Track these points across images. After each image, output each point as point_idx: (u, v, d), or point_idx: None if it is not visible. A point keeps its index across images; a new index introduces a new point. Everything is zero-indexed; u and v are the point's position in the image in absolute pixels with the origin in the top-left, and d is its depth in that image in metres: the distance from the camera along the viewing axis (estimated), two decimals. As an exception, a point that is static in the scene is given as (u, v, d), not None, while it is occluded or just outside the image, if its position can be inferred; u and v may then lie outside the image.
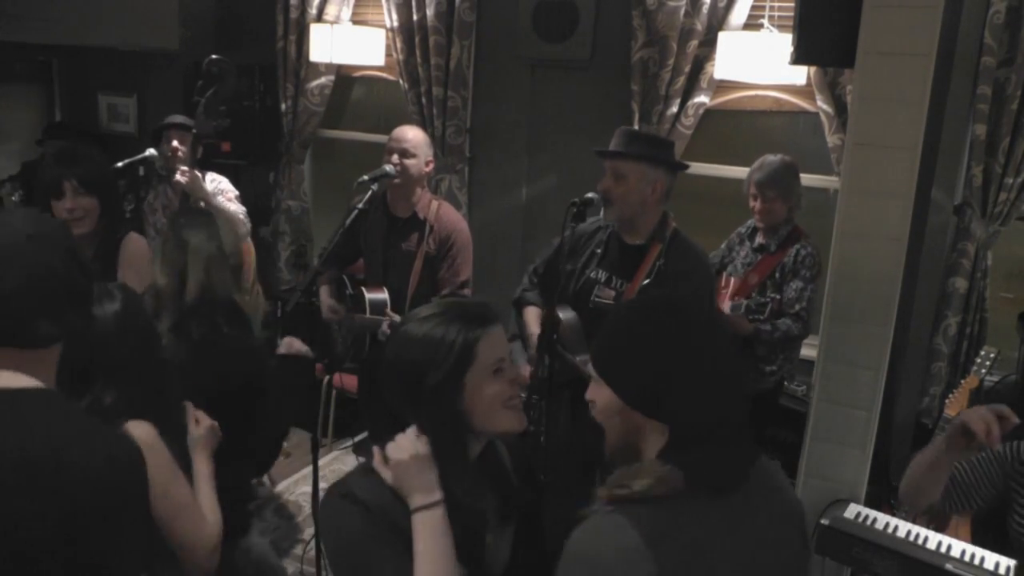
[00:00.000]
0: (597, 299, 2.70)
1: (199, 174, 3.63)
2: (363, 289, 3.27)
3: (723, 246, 3.60)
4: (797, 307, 3.23)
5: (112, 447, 1.31)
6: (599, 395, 1.33)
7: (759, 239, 3.41)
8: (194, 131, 3.54)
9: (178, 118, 3.82)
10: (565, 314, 2.68)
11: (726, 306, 3.20)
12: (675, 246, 2.68)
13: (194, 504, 1.71)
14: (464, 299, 1.39)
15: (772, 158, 3.35)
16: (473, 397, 1.36)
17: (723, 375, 1.28)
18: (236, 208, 3.82)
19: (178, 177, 3.53)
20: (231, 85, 3.49)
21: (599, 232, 2.78)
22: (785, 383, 3.56)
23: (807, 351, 3.53)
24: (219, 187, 3.85)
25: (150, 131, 3.92)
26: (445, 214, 3.25)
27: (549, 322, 2.59)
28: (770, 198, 3.29)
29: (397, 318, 3.05)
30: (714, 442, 1.26)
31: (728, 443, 1.28)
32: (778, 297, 3.19)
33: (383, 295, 3.23)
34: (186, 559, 1.67)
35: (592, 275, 2.74)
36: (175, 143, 3.76)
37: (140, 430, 1.56)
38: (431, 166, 3.25)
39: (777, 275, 3.32)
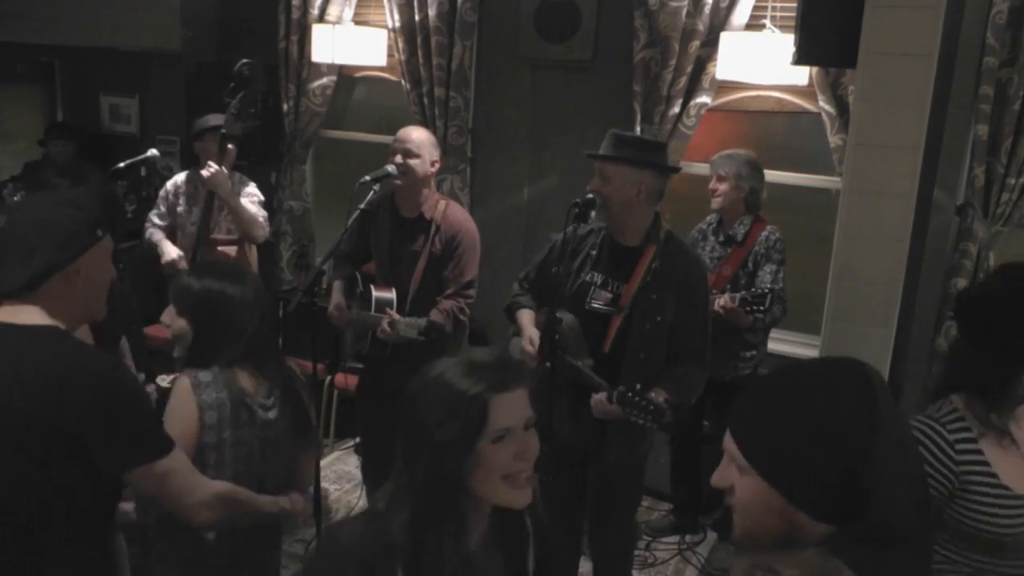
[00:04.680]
0: (593, 302, 2.70)
1: (225, 172, 3.68)
2: (371, 287, 3.28)
3: None
4: (775, 288, 3.28)
5: (99, 368, 1.62)
6: (742, 486, 1.07)
7: (725, 231, 3.51)
8: (223, 131, 3.57)
9: (212, 120, 3.80)
10: (565, 318, 2.68)
11: (720, 298, 3.23)
12: (670, 247, 2.68)
13: None
14: (494, 357, 1.35)
15: (740, 150, 3.54)
16: (479, 464, 1.28)
17: (913, 459, 1.04)
18: (256, 211, 3.88)
19: (203, 172, 3.58)
20: (259, 87, 3.53)
21: (591, 235, 2.78)
22: (759, 370, 3.59)
23: (809, 351, 3.53)
24: (245, 189, 3.92)
25: (191, 133, 3.95)
26: (452, 214, 3.24)
27: (549, 324, 2.59)
28: (720, 176, 3.44)
29: (397, 317, 3.05)
30: (896, 541, 0.99)
31: (912, 542, 1.01)
32: (777, 287, 3.27)
33: (390, 294, 3.23)
34: None
35: (587, 278, 2.73)
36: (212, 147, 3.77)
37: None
38: (436, 166, 3.24)
39: (750, 264, 3.43)
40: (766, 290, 3.15)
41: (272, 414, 2.03)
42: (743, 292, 3.21)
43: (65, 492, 1.62)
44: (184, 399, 1.93)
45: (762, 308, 3.12)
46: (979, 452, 1.70)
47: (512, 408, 1.31)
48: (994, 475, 1.69)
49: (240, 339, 2.00)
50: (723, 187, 3.44)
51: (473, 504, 1.34)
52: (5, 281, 1.60)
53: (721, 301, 3.19)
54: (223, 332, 1.99)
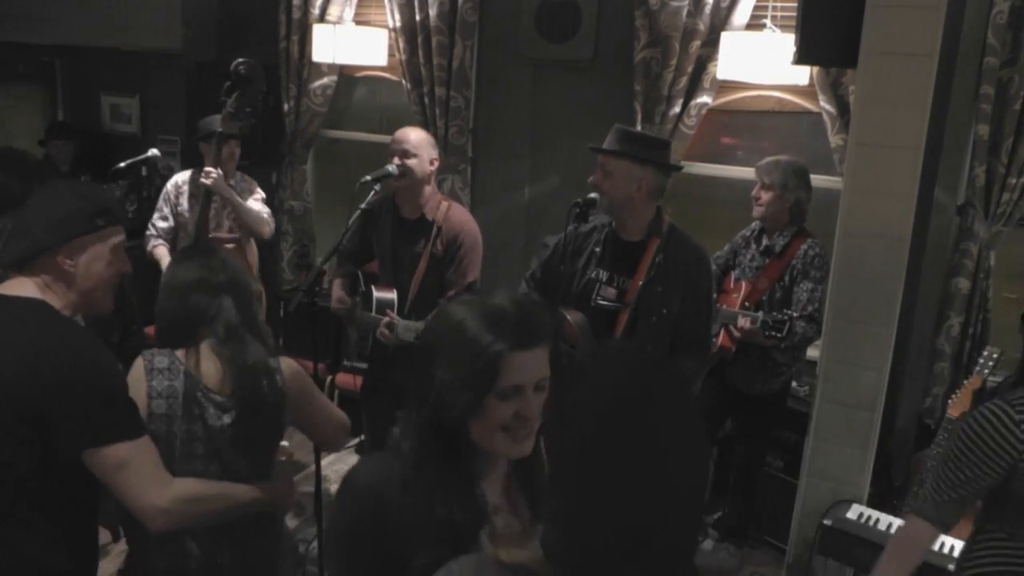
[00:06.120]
0: (600, 299, 2.70)
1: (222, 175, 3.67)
2: (372, 288, 3.27)
3: (726, 247, 3.59)
4: (810, 308, 3.21)
5: (91, 352, 1.66)
6: None
7: (765, 240, 3.41)
8: (219, 131, 3.57)
9: (216, 124, 3.76)
10: (573, 316, 2.68)
11: (741, 318, 3.21)
12: (673, 241, 2.69)
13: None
14: (526, 305, 1.33)
15: (784, 156, 3.40)
16: (479, 414, 1.29)
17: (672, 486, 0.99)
18: (261, 208, 3.90)
19: (203, 179, 3.57)
20: (258, 87, 3.51)
21: (594, 232, 2.79)
22: (793, 384, 3.56)
23: (810, 351, 3.53)
24: (247, 187, 3.94)
25: (196, 136, 3.94)
26: (454, 215, 3.24)
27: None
28: (765, 185, 3.31)
29: (397, 319, 3.05)
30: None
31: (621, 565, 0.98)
32: (795, 314, 3.14)
33: (391, 295, 3.23)
34: (327, 440, 2.29)
35: (592, 275, 2.74)
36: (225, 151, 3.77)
37: (288, 362, 2.01)
38: (435, 165, 3.25)
39: (786, 278, 3.32)
40: (785, 317, 3.06)
41: (226, 419, 1.88)
42: (763, 315, 3.15)
43: (33, 470, 1.60)
44: (134, 384, 1.84)
45: (779, 335, 3.05)
46: None
47: (526, 367, 1.29)
48: None
49: (190, 323, 1.91)
50: (767, 196, 3.30)
51: (477, 448, 1.33)
52: (5, 256, 1.72)
53: (741, 322, 3.17)
54: (174, 314, 1.94)
